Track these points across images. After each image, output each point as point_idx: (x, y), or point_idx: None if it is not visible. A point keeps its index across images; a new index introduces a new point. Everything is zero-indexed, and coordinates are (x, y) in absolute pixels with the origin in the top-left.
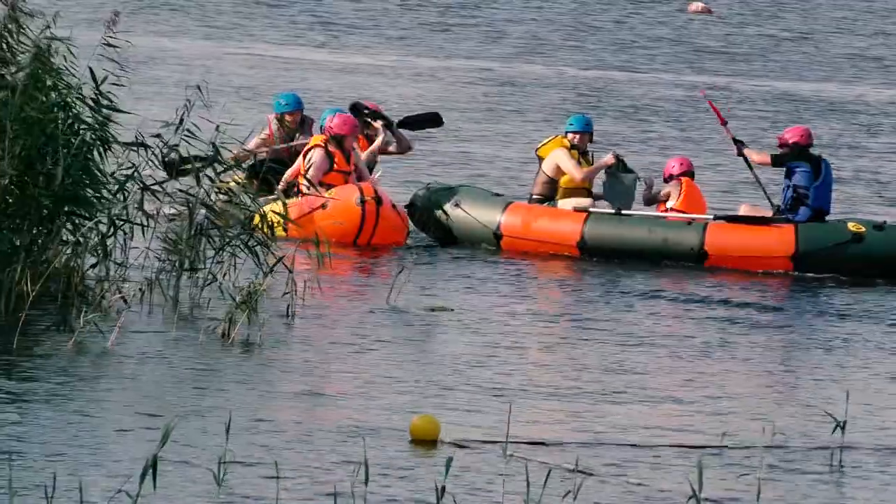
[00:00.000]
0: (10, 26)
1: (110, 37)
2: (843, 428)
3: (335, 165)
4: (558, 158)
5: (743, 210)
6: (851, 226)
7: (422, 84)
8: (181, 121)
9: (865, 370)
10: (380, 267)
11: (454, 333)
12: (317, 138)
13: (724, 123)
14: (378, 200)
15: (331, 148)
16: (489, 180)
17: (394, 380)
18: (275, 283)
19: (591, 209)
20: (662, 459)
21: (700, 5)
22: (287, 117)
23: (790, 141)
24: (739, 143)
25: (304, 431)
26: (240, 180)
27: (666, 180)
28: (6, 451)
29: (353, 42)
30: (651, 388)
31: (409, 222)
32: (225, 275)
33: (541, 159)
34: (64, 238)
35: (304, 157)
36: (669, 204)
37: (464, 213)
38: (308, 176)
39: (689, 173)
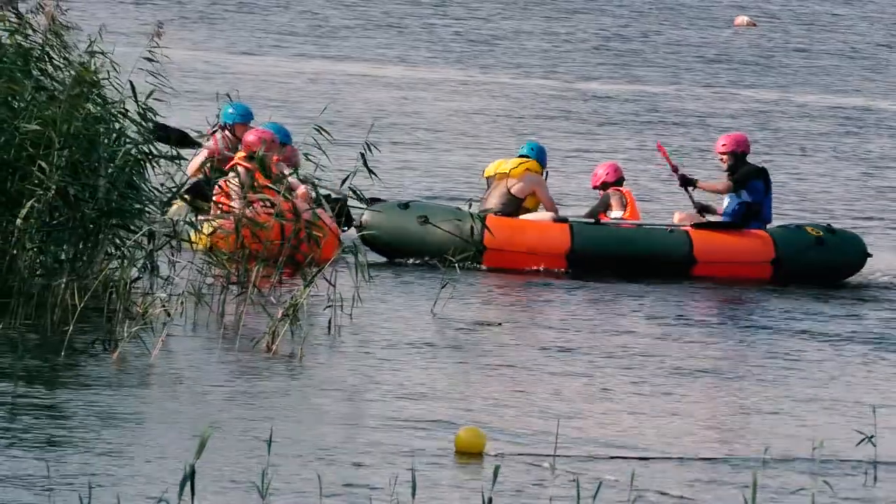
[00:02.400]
0: (52, 40)
1: (150, 49)
2: (873, 442)
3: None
4: (539, 185)
5: (678, 218)
6: (810, 230)
7: (464, 98)
8: (215, 131)
9: None
10: (422, 280)
11: (499, 346)
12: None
13: (675, 170)
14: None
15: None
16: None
17: (438, 392)
18: (317, 296)
19: (570, 218)
20: (711, 474)
21: (745, 19)
22: (238, 129)
23: (738, 151)
24: (690, 182)
25: (348, 444)
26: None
27: (597, 187)
28: (48, 463)
29: (385, 54)
30: (698, 401)
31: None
32: (269, 288)
33: (493, 178)
34: (109, 252)
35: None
36: (615, 214)
37: (436, 229)
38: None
39: (620, 181)
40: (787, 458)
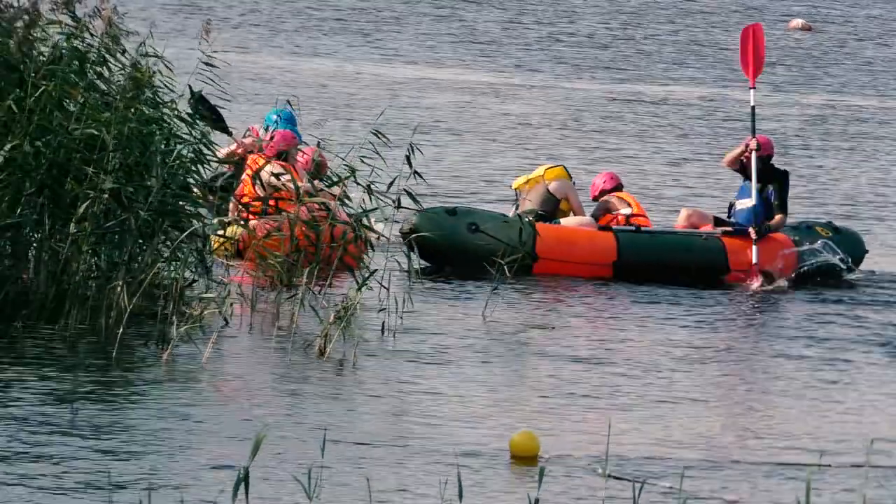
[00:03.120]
0: (106, 41)
1: (209, 55)
2: None
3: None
4: (570, 191)
5: (684, 215)
6: (820, 230)
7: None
8: (272, 136)
9: None
10: (473, 283)
11: (551, 350)
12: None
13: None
14: None
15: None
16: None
17: (491, 396)
18: (370, 300)
19: (614, 227)
20: (763, 477)
21: (800, 22)
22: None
23: (763, 154)
24: (767, 230)
25: (401, 447)
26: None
27: (596, 198)
28: (103, 465)
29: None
30: (749, 404)
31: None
32: (321, 291)
33: (523, 189)
34: (162, 254)
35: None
36: (625, 211)
37: (487, 237)
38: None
39: (619, 187)
40: (838, 462)
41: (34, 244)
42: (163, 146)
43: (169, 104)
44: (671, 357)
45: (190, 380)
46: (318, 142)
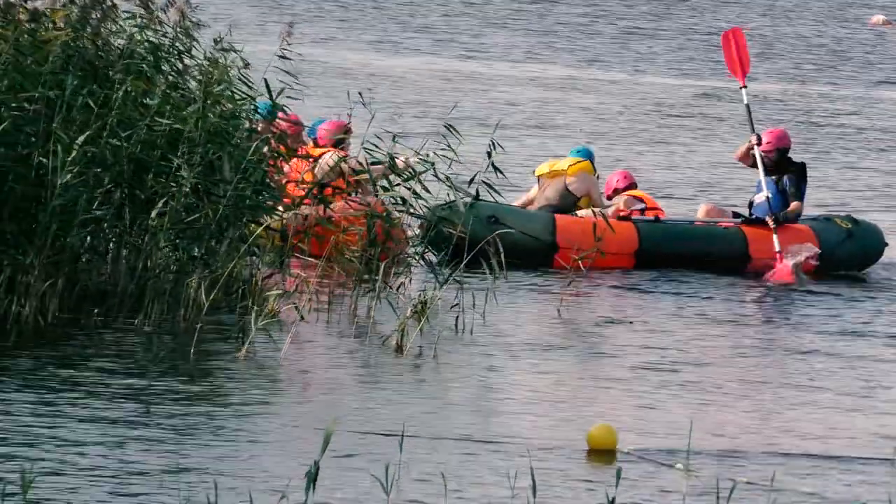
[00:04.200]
0: (182, 37)
1: (285, 49)
2: None
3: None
4: (593, 186)
5: (703, 210)
6: (839, 222)
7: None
8: (347, 131)
9: None
10: (545, 277)
11: (629, 345)
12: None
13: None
14: None
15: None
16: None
17: (569, 390)
18: (447, 295)
19: (633, 218)
20: (850, 472)
21: (881, 18)
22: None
23: (780, 146)
24: (786, 220)
25: (478, 442)
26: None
27: (610, 197)
28: (176, 458)
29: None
30: (833, 395)
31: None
32: (399, 286)
33: (544, 176)
34: (239, 248)
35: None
36: (638, 206)
37: (507, 229)
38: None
39: (632, 186)
40: None
41: (113, 239)
42: (240, 139)
43: (247, 99)
44: (751, 350)
45: (267, 375)
46: (393, 136)
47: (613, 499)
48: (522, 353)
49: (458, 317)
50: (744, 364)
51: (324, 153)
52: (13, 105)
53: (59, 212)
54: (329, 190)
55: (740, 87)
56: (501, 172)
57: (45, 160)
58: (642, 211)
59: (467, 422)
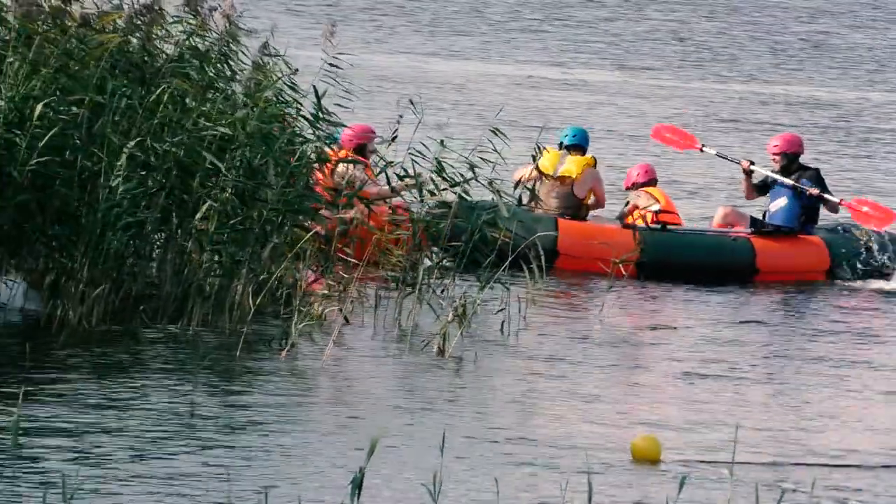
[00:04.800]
0: (229, 42)
1: (335, 56)
2: None
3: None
4: (597, 181)
5: (721, 213)
6: (859, 233)
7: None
8: (394, 137)
9: None
10: (586, 282)
11: (670, 351)
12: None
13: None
14: None
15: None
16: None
17: (612, 397)
18: (489, 299)
19: (639, 226)
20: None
21: None
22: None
23: (789, 151)
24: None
25: (521, 451)
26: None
27: (628, 188)
28: (223, 461)
29: (572, 59)
30: (880, 402)
31: None
32: (442, 290)
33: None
34: (284, 252)
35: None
36: (654, 207)
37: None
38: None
39: (653, 182)
40: None
41: (158, 243)
42: (284, 143)
43: (292, 103)
44: (794, 356)
45: (310, 378)
46: (441, 140)
47: None
48: (564, 357)
49: (502, 322)
50: (787, 370)
51: (343, 158)
52: (61, 109)
53: (106, 216)
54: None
55: (700, 151)
56: (546, 176)
57: (90, 164)
58: (657, 213)
59: (510, 427)
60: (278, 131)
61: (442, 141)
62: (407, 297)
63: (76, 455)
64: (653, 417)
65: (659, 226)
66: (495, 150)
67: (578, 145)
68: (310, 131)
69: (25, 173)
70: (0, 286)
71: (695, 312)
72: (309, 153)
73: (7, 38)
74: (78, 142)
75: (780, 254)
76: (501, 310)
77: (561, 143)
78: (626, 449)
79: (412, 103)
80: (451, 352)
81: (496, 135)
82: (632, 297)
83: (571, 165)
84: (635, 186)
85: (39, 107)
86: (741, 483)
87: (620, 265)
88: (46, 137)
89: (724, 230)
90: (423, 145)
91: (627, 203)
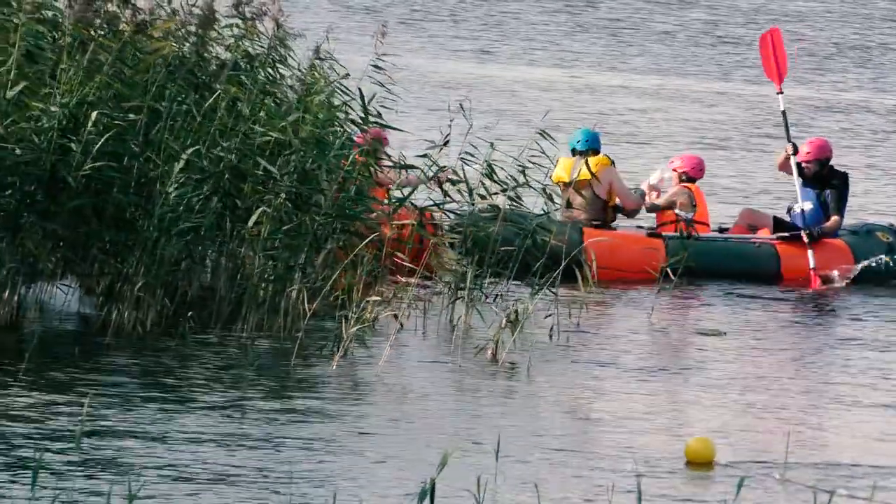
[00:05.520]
0: (277, 47)
1: (380, 57)
2: None
3: None
4: (614, 177)
5: (742, 213)
6: (881, 235)
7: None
8: (447, 141)
9: None
10: (637, 288)
11: (721, 355)
12: None
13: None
14: None
15: None
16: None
17: (664, 401)
18: (540, 304)
19: (664, 234)
20: None
21: None
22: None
23: (821, 157)
24: (821, 235)
25: (573, 454)
26: None
27: (676, 172)
28: (283, 469)
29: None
30: None
31: None
32: (497, 297)
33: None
34: (338, 257)
35: None
36: (687, 215)
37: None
38: None
39: (695, 179)
40: None
41: (212, 248)
42: (336, 147)
43: (342, 107)
44: (854, 358)
45: (364, 383)
46: (491, 144)
47: None
48: (616, 363)
49: (551, 327)
50: (839, 374)
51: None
52: (116, 115)
53: (162, 221)
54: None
55: (777, 93)
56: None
57: (146, 169)
58: (689, 222)
59: (563, 432)
60: (331, 136)
61: (492, 143)
62: (459, 303)
63: (134, 458)
64: (705, 420)
65: (685, 234)
66: (543, 153)
67: (592, 149)
68: (358, 135)
69: (80, 179)
70: (55, 291)
71: (743, 316)
72: (360, 158)
73: (62, 43)
74: (134, 147)
75: (802, 257)
76: (550, 315)
77: (573, 150)
78: (680, 451)
79: (461, 107)
80: (505, 357)
81: (545, 136)
82: (678, 302)
83: (585, 168)
84: (685, 176)
85: (94, 113)
86: (795, 486)
87: (669, 271)
88: (100, 143)
89: (748, 236)
90: (473, 146)
91: (667, 195)
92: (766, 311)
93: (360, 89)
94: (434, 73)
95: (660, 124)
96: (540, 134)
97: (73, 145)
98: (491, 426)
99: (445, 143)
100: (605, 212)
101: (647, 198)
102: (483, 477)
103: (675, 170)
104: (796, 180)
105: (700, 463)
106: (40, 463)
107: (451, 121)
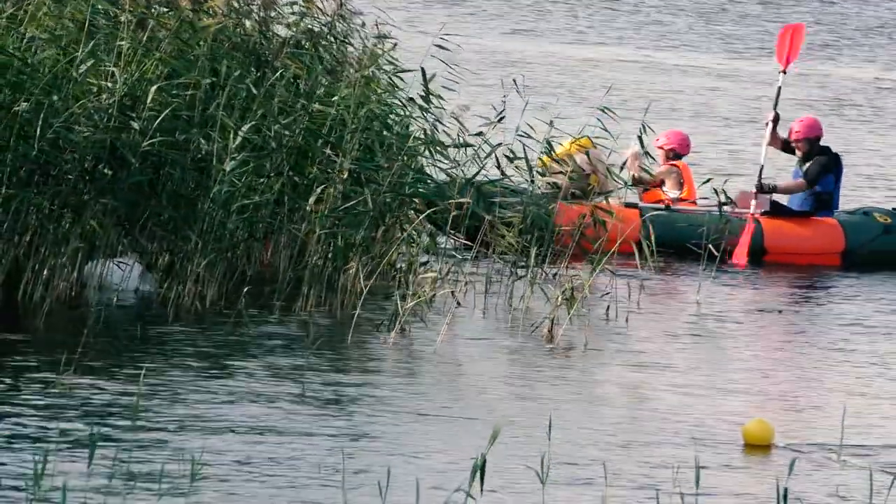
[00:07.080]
0: (338, 25)
1: (442, 38)
2: None
3: None
4: (597, 162)
5: (740, 196)
6: (878, 216)
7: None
8: (501, 118)
9: None
10: (687, 266)
11: (774, 335)
12: None
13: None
14: None
15: None
16: None
17: (722, 382)
18: (597, 284)
19: (640, 204)
20: None
21: None
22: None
23: (811, 136)
24: (772, 189)
25: (631, 434)
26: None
27: (660, 148)
28: (338, 444)
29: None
30: None
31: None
32: (555, 275)
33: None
34: (397, 235)
35: None
36: (672, 194)
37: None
38: None
39: (678, 156)
40: None
41: (274, 225)
42: (398, 127)
43: (403, 87)
44: None
45: (421, 360)
46: (551, 121)
47: (786, 490)
48: (673, 342)
49: (608, 306)
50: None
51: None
52: (173, 93)
53: (220, 198)
54: None
55: (780, 71)
56: (651, 156)
57: (205, 146)
58: (674, 201)
59: (619, 412)
60: (392, 115)
61: (551, 121)
62: (519, 281)
63: (191, 434)
64: (761, 401)
65: (662, 205)
66: (605, 130)
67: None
68: (418, 114)
69: (139, 156)
70: (115, 268)
71: (795, 295)
72: (421, 136)
73: (121, 20)
74: (191, 125)
75: (789, 234)
76: (607, 293)
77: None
78: (738, 433)
79: (515, 83)
80: (561, 336)
81: (606, 113)
82: (730, 281)
83: (567, 144)
84: (672, 152)
85: (153, 90)
86: (853, 467)
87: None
88: (159, 120)
89: (728, 210)
90: (529, 126)
91: (656, 173)
92: (822, 289)
93: (422, 69)
94: (491, 52)
95: (711, 103)
96: (602, 111)
97: (133, 122)
98: (544, 405)
99: (500, 119)
100: (586, 190)
101: (629, 171)
102: (540, 454)
103: (661, 147)
104: (763, 146)
105: (758, 445)
106: (97, 437)
107: (504, 97)
